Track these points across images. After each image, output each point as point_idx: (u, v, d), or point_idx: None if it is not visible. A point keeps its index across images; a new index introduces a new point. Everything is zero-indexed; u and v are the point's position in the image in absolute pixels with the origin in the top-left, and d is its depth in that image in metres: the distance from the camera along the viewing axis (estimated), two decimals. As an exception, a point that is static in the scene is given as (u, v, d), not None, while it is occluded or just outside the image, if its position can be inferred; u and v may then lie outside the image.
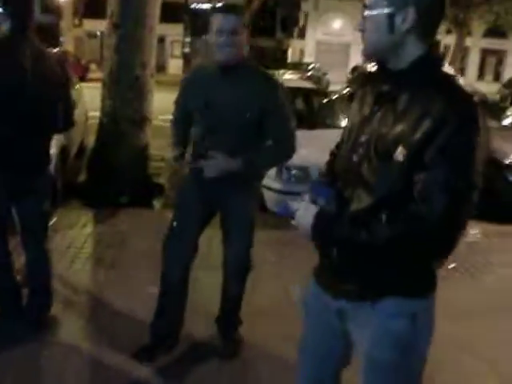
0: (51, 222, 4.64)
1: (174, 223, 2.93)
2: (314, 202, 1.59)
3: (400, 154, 1.41)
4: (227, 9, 2.50)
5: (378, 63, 1.56)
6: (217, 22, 2.49)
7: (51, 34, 29.17)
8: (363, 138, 1.54)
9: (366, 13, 1.50)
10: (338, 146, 1.77)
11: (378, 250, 1.45)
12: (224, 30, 2.46)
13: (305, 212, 1.57)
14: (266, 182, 5.40)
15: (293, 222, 1.63)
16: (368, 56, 1.56)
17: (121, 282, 3.89)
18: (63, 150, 5.72)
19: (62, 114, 3.03)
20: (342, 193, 1.59)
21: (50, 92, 2.92)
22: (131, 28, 5.86)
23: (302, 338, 1.84)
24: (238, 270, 2.98)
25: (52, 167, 3.76)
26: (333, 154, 1.81)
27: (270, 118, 2.63)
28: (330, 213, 1.55)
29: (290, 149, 2.77)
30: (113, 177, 5.97)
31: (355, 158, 1.55)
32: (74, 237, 4.70)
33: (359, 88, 1.68)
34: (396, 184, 1.43)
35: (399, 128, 1.42)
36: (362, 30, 1.54)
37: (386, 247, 1.43)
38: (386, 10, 1.45)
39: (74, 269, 4.07)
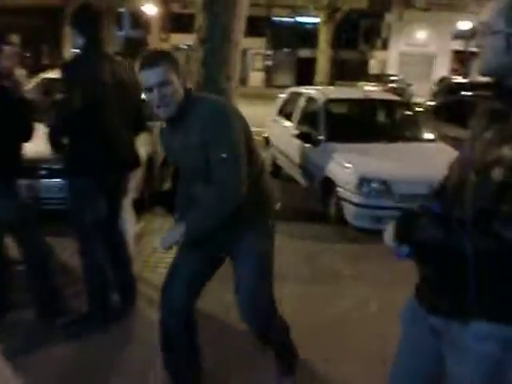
0: (138, 228, 4.94)
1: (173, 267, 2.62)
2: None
3: (499, 173, 1.39)
4: (149, 63, 2.30)
5: (494, 81, 1.57)
6: (142, 81, 2.32)
7: (139, 48, 30.62)
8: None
9: (484, 31, 1.52)
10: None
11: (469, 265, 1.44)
12: (151, 86, 2.29)
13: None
14: (346, 195, 5.40)
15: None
16: (484, 74, 1.58)
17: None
18: (150, 160, 5.99)
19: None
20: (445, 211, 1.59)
21: (130, 99, 3.36)
22: (218, 42, 6.05)
23: (398, 346, 1.85)
24: (249, 318, 2.60)
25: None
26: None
27: (211, 154, 2.28)
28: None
29: (225, 192, 2.29)
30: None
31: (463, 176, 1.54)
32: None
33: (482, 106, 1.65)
34: (488, 202, 1.42)
35: (505, 150, 1.39)
36: (478, 48, 1.55)
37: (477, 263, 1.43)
38: (506, 30, 1.46)
39: (159, 272, 4.24)
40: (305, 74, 28.43)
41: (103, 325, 3.40)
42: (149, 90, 2.29)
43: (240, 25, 6.24)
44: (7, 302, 3.53)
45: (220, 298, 3.55)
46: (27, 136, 3.33)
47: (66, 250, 4.38)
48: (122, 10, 29.28)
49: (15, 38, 3.22)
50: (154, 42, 33.28)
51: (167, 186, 6.84)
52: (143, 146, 5.06)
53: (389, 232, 1.65)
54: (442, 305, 1.59)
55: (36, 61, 25.24)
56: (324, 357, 3.17)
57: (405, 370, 1.81)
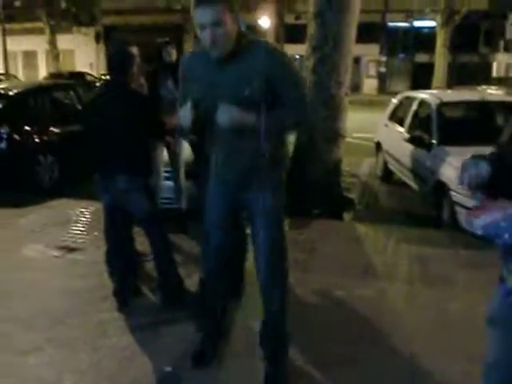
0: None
1: (204, 229, 2.89)
2: None
3: None
4: (203, 1, 2.32)
5: None
6: (196, 16, 2.35)
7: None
8: None
9: None
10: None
11: None
12: (204, 24, 2.33)
13: None
14: (460, 199, 5.28)
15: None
16: None
17: (310, 282, 4.17)
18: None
19: None
20: None
21: None
22: (328, 50, 6.21)
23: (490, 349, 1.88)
24: (271, 253, 2.72)
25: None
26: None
27: (279, 88, 2.49)
28: None
29: (300, 112, 2.59)
30: (307, 190, 6.34)
31: None
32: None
33: None
34: None
35: None
36: None
37: None
38: None
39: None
40: (421, 79, 27.57)
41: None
42: (202, 27, 2.33)
43: (351, 32, 6.35)
44: (136, 288, 3.95)
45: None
46: (159, 132, 3.75)
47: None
48: (238, 24, 30.36)
49: (136, 50, 3.66)
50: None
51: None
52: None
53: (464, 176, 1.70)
54: None
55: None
56: (434, 352, 3.19)
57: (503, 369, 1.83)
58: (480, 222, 1.65)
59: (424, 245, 5.18)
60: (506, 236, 1.58)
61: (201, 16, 2.32)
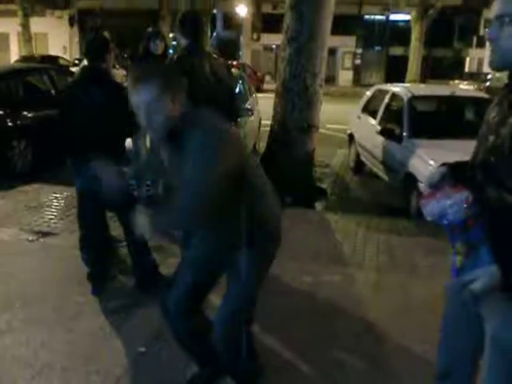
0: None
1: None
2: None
3: None
4: (136, 83, 2.12)
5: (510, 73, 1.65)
6: (131, 98, 2.15)
7: (231, 48, 31.47)
8: (492, 137, 1.68)
9: (502, 22, 1.57)
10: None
11: None
12: (138, 107, 2.13)
13: None
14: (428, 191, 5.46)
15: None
16: (498, 67, 1.64)
17: (278, 267, 4.29)
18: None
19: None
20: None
21: (226, 91, 3.91)
22: (304, 42, 6.32)
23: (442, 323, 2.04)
24: (219, 338, 2.47)
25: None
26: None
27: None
28: None
29: (183, 198, 2.14)
30: (280, 179, 6.44)
31: (493, 159, 1.67)
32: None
33: (501, 95, 1.77)
34: None
35: None
36: (491, 40, 1.61)
37: None
38: None
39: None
40: (395, 72, 27.93)
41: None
42: (136, 110, 2.13)
43: (327, 24, 6.46)
44: (109, 272, 4.02)
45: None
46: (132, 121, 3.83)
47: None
48: (215, 11, 30.24)
49: (107, 34, 3.76)
50: (245, 42, 34.06)
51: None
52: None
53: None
54: None
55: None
56: (396, 335, 3.34)
57: (451, 339, 1.99)
58: (428, 207, 1.81)
59: (392, 233, 5.35)
60: (451, 218, 1.73)
61: (133, 98, 2.12)
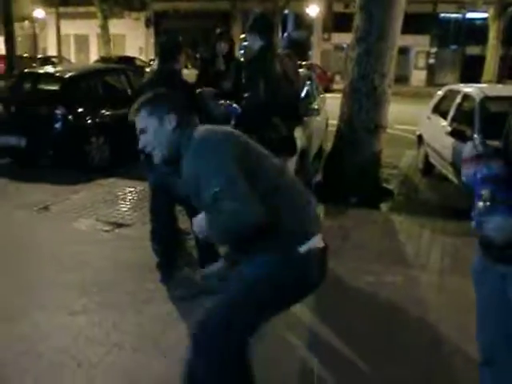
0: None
1: None
2: None
3: None
4: (135, 109, 2.20)
5: None
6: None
7: (302, 49, 31.48)
8: None
9: None
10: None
11: None
12: (138, 130, 2.20)
13: None
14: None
15: None
16: None
17: (340, 267, 4.35)
18: (303, 152, 6.43)
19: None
20: None
21: (293, 88, 4.06)
22: (373, 41, 6.31)
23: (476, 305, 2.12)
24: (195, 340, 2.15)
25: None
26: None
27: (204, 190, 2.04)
28: None
29: (213, 219, 2.01)
30: (345, 179, 6.49)
31: None
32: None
33: None
34: None
35: None
36: None
37: None
38: None
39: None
40: (471, 72, 26.98)
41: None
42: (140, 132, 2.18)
43: (397, 24, 6.42)
44: (177, 262, 4.22)
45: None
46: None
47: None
48: (286, 11, 30.38)
49: (180, 37, 3.97)
50: (316, 41, 33.97)
51: (319, 177, 7.24)
52: (298, 138, 5.51)
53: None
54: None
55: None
56: (457, 337, 3.33)
57: (484, 321, 2.08)
58: (464, 172, 1.91)
59: (458, 236, 5.25)
60: (485, 171, 1.80)
61: (135, 123, 2.21)
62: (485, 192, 1.76)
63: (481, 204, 1.77)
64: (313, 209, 2.22)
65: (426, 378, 2.99)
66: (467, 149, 1.86)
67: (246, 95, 4.13)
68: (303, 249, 2.04)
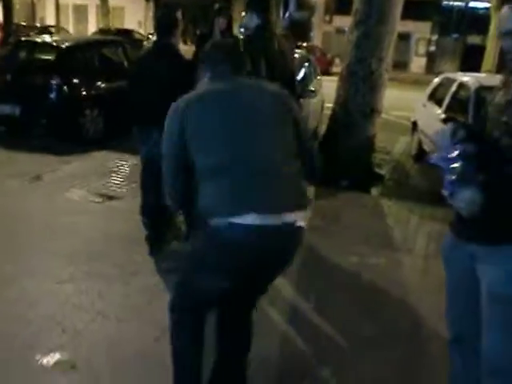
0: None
1: None
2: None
3: None
4: None
5: None
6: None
7: (302, 30, 31.25)
8: (504, 118, 1.83)
9: None
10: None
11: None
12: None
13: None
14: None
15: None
16: None
17: (326, 247, 4.41)
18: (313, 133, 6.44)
19: None
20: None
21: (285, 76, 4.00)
22: (372, 25, 6.29)
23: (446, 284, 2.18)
24: None
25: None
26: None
27: None
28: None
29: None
30: (338, 162, 6.52)
31: (496, 134, 1.85)
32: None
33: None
34: None
35: None
36: None
37: None
38: None
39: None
40: (472, 61, 26.89)
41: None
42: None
43: (396, 10, 6.40)
44: (166, 236, 4.27)
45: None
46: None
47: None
48: (288, -9, 30.06)
49: (180, 14, 3.94)
50: (317, 23, 33.72)
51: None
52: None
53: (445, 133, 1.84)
54: (481, 233, 1.88)
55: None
56: (436, 318, 3.40)
57: (456, 296, 2.12)
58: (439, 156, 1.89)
59: (447, 223, 5.29)
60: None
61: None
62: (456, 166, 1.79)
63: (452, 177, 1.81)
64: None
65: (404, 359, 3.05)
66: (446, 134, 1.86)
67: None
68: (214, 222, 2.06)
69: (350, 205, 5.70)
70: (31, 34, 17.01)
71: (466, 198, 1.79)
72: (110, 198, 5.30)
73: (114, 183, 5.77)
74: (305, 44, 23.21)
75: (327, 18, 34.10)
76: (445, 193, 1.86)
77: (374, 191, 6.58)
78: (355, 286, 3.84)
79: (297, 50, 8.21)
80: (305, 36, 30.09)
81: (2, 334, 2.99)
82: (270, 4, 4.31)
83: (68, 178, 5.88)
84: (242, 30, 5.33)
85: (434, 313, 3.45)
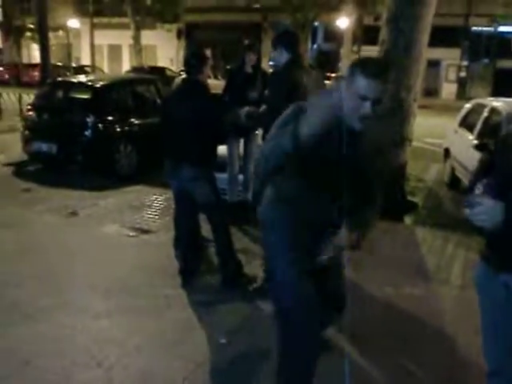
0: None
1: None
2: None
3: None
4: (381, 75, 2.26)
5: None
6: (365, 86, 2.20)
7: (331, 60, 31.54)
8: None
9: None
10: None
11: None
12: (370, 97, 2.21)
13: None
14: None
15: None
16: None
17: (361, 276, 4.36)
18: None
19: None
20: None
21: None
22: (400, 54, 6.33)
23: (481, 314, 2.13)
24: None
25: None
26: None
27: None
28: None
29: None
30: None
31: None
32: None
33: None
34: None
35: None
36: None
37: None
38: None
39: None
40: (504, 86, 26.58)
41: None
42: (364, 98, 2.17)
43: (423, 38, 6.42)
44: (198, 269, 4.30)
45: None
46: (219, 130, 4.10)
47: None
48: (316, 23, 30.48)
49: (208, 52, 4.07)
50: (346, 53, 33.96)
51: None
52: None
53: None
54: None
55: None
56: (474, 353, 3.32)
57: (489, 331, 2.08)
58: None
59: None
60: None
61: (371, 89, 2.20)
62: (478, 186, 1.80)
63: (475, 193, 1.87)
64: None
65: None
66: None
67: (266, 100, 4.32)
68: None
69: (383, 234, 5.63)
70: (68, 73, 17.59)
71: (488, 208, 1.75)
72: (144, 231, 5.38)
73: (148, 217, 5.86)
74: (333, 75, 23.33)
75: (355, 48, 34.31)
76: (466, 211, 1.81)
77: (408, 220, 6.51)
78: (390, 316, 3.78)
79: (326, 82, 8.29)
80: (334, 67, 30.31)
81: (37, 367, 3.05)
82: (299, 38, 4.44)
83: (103, 212, 6.01)
84: (271, 63, 5.47)
85: (472, 345, 3.38)
